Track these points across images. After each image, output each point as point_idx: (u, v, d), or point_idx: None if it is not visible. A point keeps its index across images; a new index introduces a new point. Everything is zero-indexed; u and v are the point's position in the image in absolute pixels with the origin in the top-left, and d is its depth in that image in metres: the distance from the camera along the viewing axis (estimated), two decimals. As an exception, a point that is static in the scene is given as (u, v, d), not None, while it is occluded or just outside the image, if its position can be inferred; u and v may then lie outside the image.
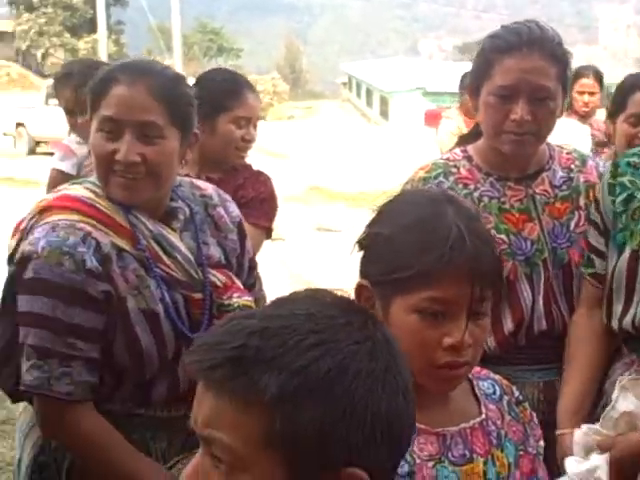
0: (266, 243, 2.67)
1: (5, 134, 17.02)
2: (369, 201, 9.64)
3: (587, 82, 4.73)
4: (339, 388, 0.81)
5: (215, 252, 1.78)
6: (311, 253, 8.08)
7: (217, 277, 1.74)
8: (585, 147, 3.80)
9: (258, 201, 2.63)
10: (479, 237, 1.19)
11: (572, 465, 1.36)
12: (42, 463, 1.72)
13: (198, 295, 1.70)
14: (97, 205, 1.65)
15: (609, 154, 3.41)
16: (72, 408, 1.59)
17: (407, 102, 27.38)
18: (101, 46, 30.53)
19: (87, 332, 1.58)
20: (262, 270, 1.97)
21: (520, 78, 1.79)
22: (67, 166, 3.25)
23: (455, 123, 5.05)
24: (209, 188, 1.85)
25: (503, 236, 1.86)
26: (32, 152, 16.30)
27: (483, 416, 1.26)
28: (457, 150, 2.01)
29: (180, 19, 28.51)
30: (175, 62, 24.73)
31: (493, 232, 1.81)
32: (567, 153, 1.99)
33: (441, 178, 1.91)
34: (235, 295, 1.73)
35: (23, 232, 1.66)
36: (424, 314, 1.17)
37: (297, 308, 0.86)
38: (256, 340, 0.82)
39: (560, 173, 1.94)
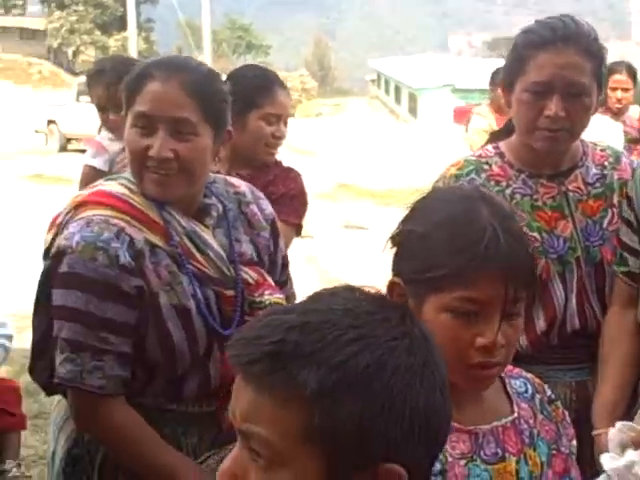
0: (295, 240, 2.67)
1: (37, 131, 17.15)
2: (397, 199, 9.62)
3: (620, 78, 4.66)
4: (378, 383, 0.81)
5: (247, 249, 1.78)
6: (339, 250, 8.07)
7: (249, 274, 1.74)
8: (617, 144, 3.75)
9: (288, 198, 2.63)
10: (514, 237, 1.18)
11: (608, 461, 1.35)
12: (75, 456, 1.74)
13: (230, 292, 1.71)
14: (131, 201, 1.66)
15: (642, 151, 3.37)
16: (104, 401, 1.60)
17: (436, 99, 27.21)
18: (131, 43, 30.74)
19: (119, 326, 1.59)
20: (290, 267, 1.97)
21: (554, 74, 1.77)
22: (99, 162, 3.28)
23: (487, 121, 5.00)
24: (243, 185, 1.85)
25: (535, 234, 1.84)
26: (63, 149, 16.41)
27: (515, 415, 1.25)
28: (489, 147, 1.99)
29: (210, 16, 28.65)
30: (205, 59, 24.83)
31: (525, 230, 1.79)
32: (601, 150, 1.96)
33: (473, 175, 1.89)
34: (267, 292, 1.74)
35: (59, 227, 1.67)
36: (457, 313, 1.16)
37: (335, 303, 0.86)
38: (295, 335, 0.82)
39: (594, 170, 1.91)
